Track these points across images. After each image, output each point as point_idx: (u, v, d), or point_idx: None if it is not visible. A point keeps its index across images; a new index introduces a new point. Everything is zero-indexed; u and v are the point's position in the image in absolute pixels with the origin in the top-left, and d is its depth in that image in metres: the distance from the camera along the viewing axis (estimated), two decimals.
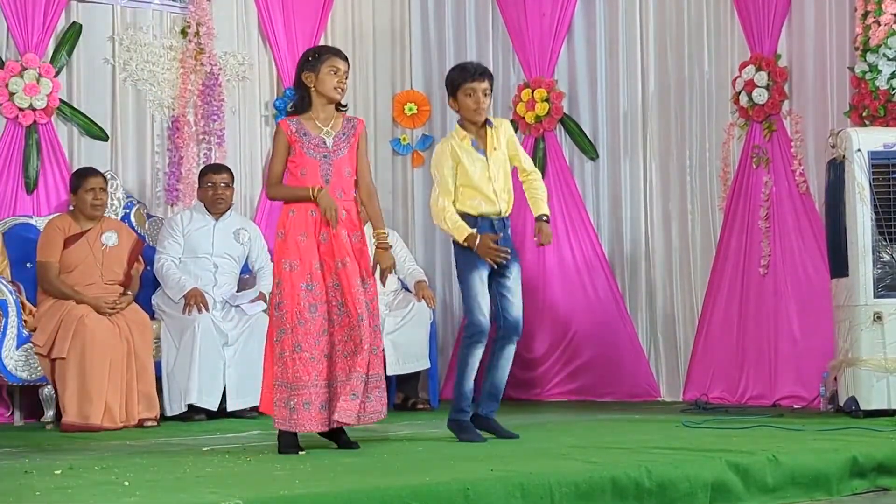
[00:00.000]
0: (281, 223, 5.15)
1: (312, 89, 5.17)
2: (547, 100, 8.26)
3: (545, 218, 5.61)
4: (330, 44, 8.68)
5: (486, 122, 5.56)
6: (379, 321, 5.24)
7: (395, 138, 8.89)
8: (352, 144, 5.19)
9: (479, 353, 5.47)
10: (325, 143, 5.13)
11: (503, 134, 5.59)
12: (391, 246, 5.44)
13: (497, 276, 5.51)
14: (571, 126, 8.27)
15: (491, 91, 5.57)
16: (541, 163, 8.26)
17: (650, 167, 7.99)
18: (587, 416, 6.91)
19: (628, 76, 8.07)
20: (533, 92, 8.28)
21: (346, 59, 5.24)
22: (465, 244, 5.42)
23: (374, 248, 5.25)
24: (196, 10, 7.96)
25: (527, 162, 5.72)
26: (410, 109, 8.84)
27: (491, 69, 8.36)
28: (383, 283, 5.31)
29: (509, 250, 5.48)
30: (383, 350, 7.40)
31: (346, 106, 5.29)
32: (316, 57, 5.19)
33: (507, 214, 5.56)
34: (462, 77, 5.52)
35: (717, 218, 7.64)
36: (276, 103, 8.41)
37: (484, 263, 5.45)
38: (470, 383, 5.48)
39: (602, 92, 8.21)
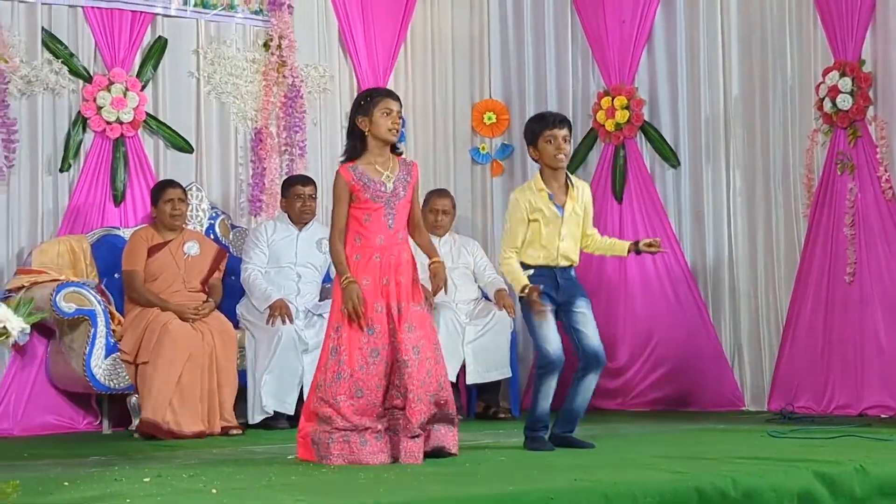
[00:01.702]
0: (348, 267, 5.14)
1: (367, 133, 5.17)
2: (627, 107, 8.23)
3: (635, 243, 5.67)
4: (409, 53, 8.77)
5: (567, 178, 5.56)
6: (440, 357, 5.21)
7: (474, 147, 8.91)
8: (409, 188, 5.21)
9: (552, 382, 5.47)
10: (386, 187, 5.14)
11: (582, 196, 5.59)
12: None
13: (567, 313, 5.51)
14: (652, 133, 8.23)
15: (570, 139, 5.58)
16: (621, 171, 8.23)
17: (733, 174, 7.92)
18: (671, 425, 6.86)
19: (710, 82, 8.02)
20: (613, 99, 8.26)
21: (398, 99, 5.22)
22: (520, 293, 5.44)
23: (430, 269, 5.25)
24: (278, 23, 8.05)
25: (592, 232, 5.70)
26: (489, 118, 8.85)
27: (570, 77, 8.54)
28: (436, 293, 5.30)
29: (546, 307, 5.46)
30: (462, 362, 7.51)
31: (400, 150, 5.27)
32: (368, 100, 5.17)
33: (568, 266, 5.55)
34: (542, 124, 5.53)
35: (801, 225, 7.56)
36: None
37: (546, 298, 5.45)
38: (544, 409, 5.47)
39: (683, 99, 8.16)
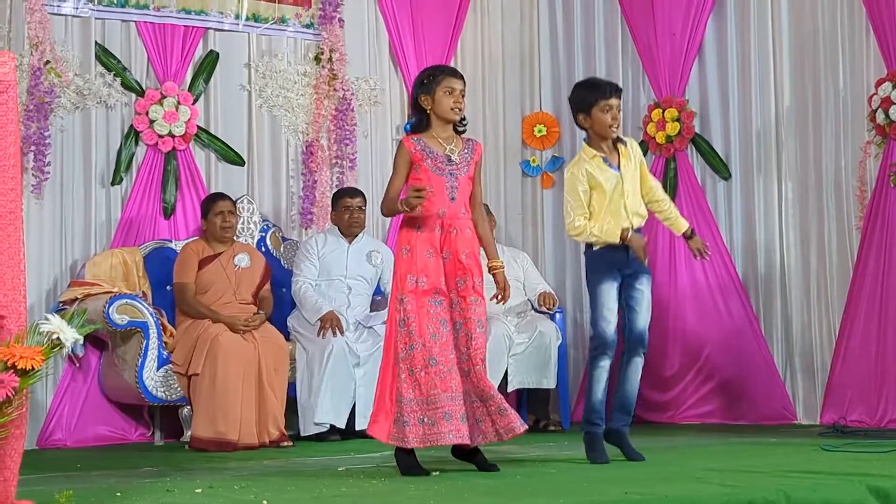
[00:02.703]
0: (406, 239, 5.11)
1: (430, 111, 5.18)
2: (678, 119, 8.20)
3: (692, 231, 5.67)
4: (460, 67, 8.77)
5: (617, 139, 5.57)
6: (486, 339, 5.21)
7: (525, 160, 8.91)
8: (472, 165, 5.21)
9: (604, 364, 5.45)
10: (450, 159, 5.14)
11: (634, 153, 5.59)
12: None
13: (627, 288, 5.51)
14: (703, 145, 8.19)
15: (621, 108, 5.59)
16: (672, 183, 8.20)
17: (784, 186, 7.87)
18: (721, 438, 6.82)
19: (761, 94, 7.97)
20: (663, 112, 8.23)
21: (461, 77, 5.21)
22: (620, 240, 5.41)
23: (492, 274, 5.23)
24: (329, 36, 8.09)
25: (655, 184, 5.70)
26: (540, 131, 8.85)
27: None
28: (498, 302, 5.28)
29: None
30: (506, 370, 7.51)
31: (464, 127, 5.26)
32: (431, 78, 5.16)
33: (637, 227, 5.55)
34: (598, 93, 5.51)
35: (853, 238, 7.49)
36: (406, 127, 8.46)
37: (615, 275, 5.46)
38: (597, 395, 5.45)
39: (734, 110, 8.12)
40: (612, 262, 5.46)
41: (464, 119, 5.23)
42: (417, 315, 5.02)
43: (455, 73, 5.22)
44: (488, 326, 7.26)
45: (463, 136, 5.25)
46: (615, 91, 5.53)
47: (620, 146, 5.55)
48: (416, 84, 5.24)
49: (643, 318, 5.51)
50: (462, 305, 5.06)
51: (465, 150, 5.19)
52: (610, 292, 5.45)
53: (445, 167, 5.11)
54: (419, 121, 5.21)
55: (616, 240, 5.44)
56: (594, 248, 5.53)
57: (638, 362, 5.54)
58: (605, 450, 5.44)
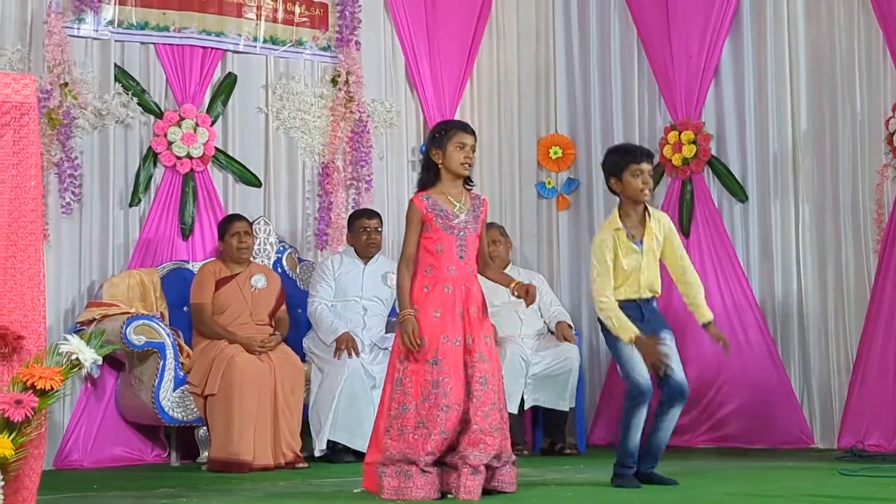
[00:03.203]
0: (413, 298, 5.16)
1: (441, 165, 5.20)
2: (694, 142, 8.20)
3: (712, 323, 5.63)
4: (475, 88, 8.81)
5: (647, 208, 5.57)
6: (503, 392, 5.21)
7: (540, 182, 8.91)
8: (479, 223, 5.22)
9: (642, 413, 5.47)
10: (458, 218, 5.16)
11: (662, 227, 5.59)
12: None
13: None
14: (719, 168, 8.18)
15: (653, 173, 5.60)
16: (688, 206, 8.19)
17: (802, 209, 7.86)
18: (739, 463, 6.80)
19: (778, 116, 7.96)
20: (680, 134, 8.23)
21: (472, 133, 5.24)
22: (630, 342, 5.40)
23: (514, 291, 5.22)
24: (346, 59, 8.13)
25: (685, 263, 5.68)
26: (555, 153, 8.86)
27: (637, 111, 8.52)
28: (528, 303, 5.26)
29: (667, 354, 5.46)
30: (522, 403, 7.49)
31: (473, 183, 5.29)
32: (442, 133, 5.20)
33: (651, 297, 5.57)
34: (629, 158, 5.54)
35: (871, 261, 7.47)
36: (422, 148, 8.51)
37: (634, 325, 5.46)
38: (635, 442, 5.47)
39: (751, 133, 8.11)
40: (629, 317, 5.46)
41: (471, 179, 5.25)
42: (414, 377, 5.04)
43: (466, 129, 5.26)
44: (504, 348, 7.27)
45: (471, 191, 5.27)
46: (646, 156, 5.56)
47: (647, 219, 5.55)
48: (428, 138, 5.30)
49: (678, 371, 5.51)
50: (472, 362, 5.07)
51: (473, 208, 5.22)
52: (631, 345, 5.45)
53: (455, 226, 5.13)
54: (427, 176, 5.24)
55: (620, 300, 5.47)
56: None
57: (676, 412, 5.55)
58: (634, 479, 5.45)
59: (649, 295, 5.56)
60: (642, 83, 8.59)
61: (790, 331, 7.87)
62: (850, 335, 7.57)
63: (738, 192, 8.12)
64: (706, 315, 5.66)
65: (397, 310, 7.53)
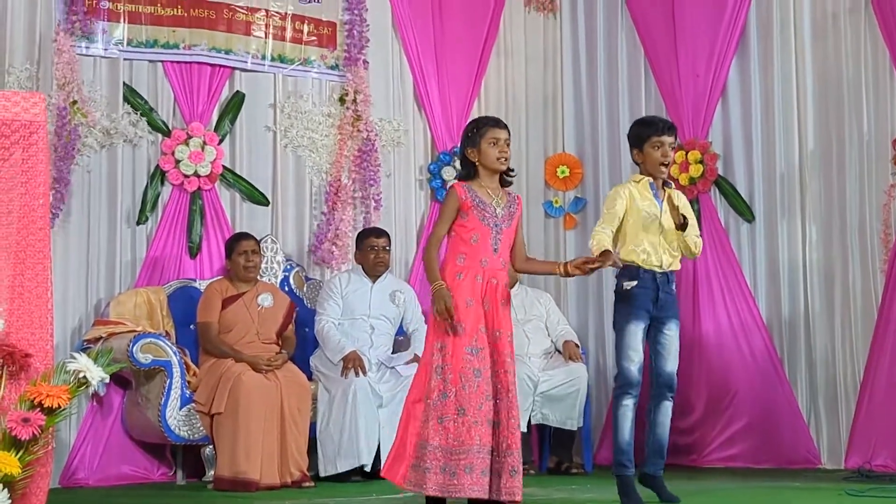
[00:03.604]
0: (440, 273, 5.15)
1: (477, 163, 5.22)
2: (701, 161, 8.20)
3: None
4: (483, 108, 8.82)
5: (665, 182, 5.63)
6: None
7: (548, 201, 8.92)
8: (515, 218, 5.24)
9: (628, 403, 5.47)
10: (496, 212, 5.18)
11: (680, 199, 5.64)
12: None
13: (656, 332, 5.55)
14: (726, 188, 8.19)
15: (675, 146, 5.65)
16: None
17: (808, 229, 7.85)
18: (746, 483, 6.78)
19: (785, 136, 7.97)
20: (687, 153, 8.23)
21: (505, 127, 5.28)
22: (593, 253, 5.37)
23: (579, 265, 5.18)
24: (354, 78, 8.15)
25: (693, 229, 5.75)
26: (563, 172, 8.87)
27: None
28: (589, 271, 5.21)
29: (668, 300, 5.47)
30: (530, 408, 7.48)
31: (513, 177, 5.31)
32: (475, 131, 5.24)
33: (670, 269, 5.58)
34: (651, 129, 5.62)
35: (878, 281, 7.47)
36: (430, 167, 8.53)
37: (642, 316, 5.48)
38: (624, 436, 5.47)
39: (758, 153, 8.11)
40: (641, 303, 5.49)
41: (511, 169, 5.27)
42: (453, 363, 5.02)
43: (498, 124, 5.29)
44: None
45: (506, 189, 5.28)
46: (668, 129, 5.64)
47: (668, 189, 5.60)
48: (462, 138, 5.32)
49: (671, 363, 5.54)
50: (500, 359, 5.07)
51: (509, 204, 5.24)
52: (636, 334, 5.48)
53: (493, 218, 5.15)
54: (466, 173, 5.27)
55: (640, 262, 5.48)
56: (624, 288, 5.55)
57: (667, 406, 5.57)
58: (638, 493, 5.44)
59: (667, 266, 5.55)
60: (649, 103, 8.60)
61: (797, 350, 7.86)
62: (858, 355, 7.56)
63: (744, 211, 8.12)
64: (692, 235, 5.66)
65: (405, 329, 7.60)
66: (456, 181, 5.32)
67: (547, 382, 7.57)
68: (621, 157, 8.55)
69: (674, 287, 5.65)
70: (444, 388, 5.00)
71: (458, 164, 5.54)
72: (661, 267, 5.56)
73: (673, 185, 5.73)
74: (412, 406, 5.12)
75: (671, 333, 5.55)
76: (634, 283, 5.50)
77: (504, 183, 5.28)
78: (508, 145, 5.25)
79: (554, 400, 7.58)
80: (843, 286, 7.67)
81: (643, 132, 5.65)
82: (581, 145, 8.90)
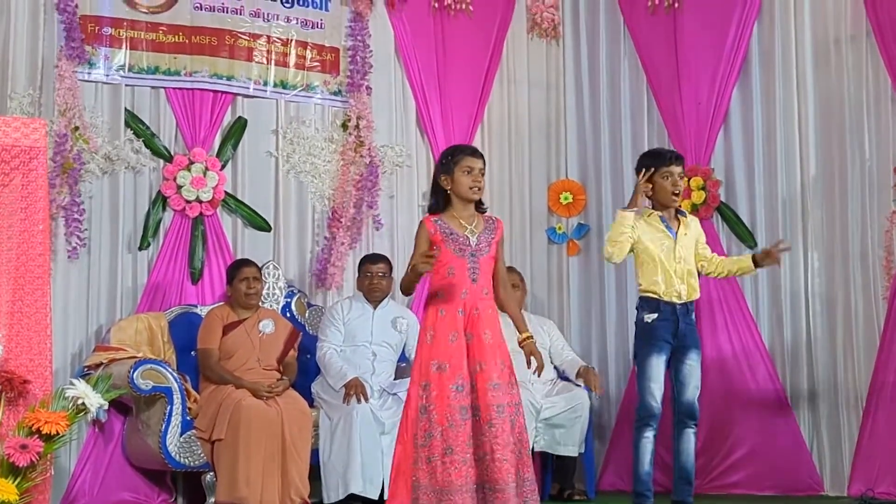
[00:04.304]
0: (430, 324, 5.12)
1: (450, 191, 5.19)
2: (703, 188, 8.20)
3: (758, 254, 5.87)
4: (486, 134, 8.83)
5: (678, 211, 5.66)
6: (524, 422, 5.17)
7: (551, 227, 8.91)
8: (493, 245, 5.21)
9: (648, 435, 5.50)
10: (469, 241, 5.14)
11: (694, 227, 5.67)
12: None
13: (677, 362, 5.58)
14: (728, 214, 8.18)
15: (684, 176, 5.68)
16: None
17: (810, 255, 7.85)
18: None
19: (786, 163, 7.97)
20: (689, 180, 8.22)
21: (481, 156, 5.24)
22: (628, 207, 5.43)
23: (522, 347, 5.20)
24: (356, 103, 8.15)
25: (708, 252, 5.84)
26: (566, 198, 8.86)
27: None
28: (538, 374, 5.26)
29: None
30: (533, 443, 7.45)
31: (485, 207, 5.28)
32: (449, 158, 5.21)
33: (689, 300, 5.60)
34: (659, 161, 5.66)
35: (880, 308, 7.45)
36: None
37: (664, 348, 5.49)
38: (644, 467, 5.50)
39: (760, 179, 8.12)
40: (661, 335, 5.50)
41: (482, 202, 5.23)
42: (438, 403, 5.00)
43: (475, 153, 5.25)
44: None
45: (485, 214, 5.26)
46: (676, 159, 5.68)
47: (681, 217, 5.64)
48: (437, 164, 5.31)
49: (692, 391, 5.60)
50: (481, 391, 5.03)
51: (487, 231, 5.20)
52: (658, 366, 5.50)
53: (466, 248, 5.11)
54: (435, 202, 5.23)
55: (659, 294, 5.50)
56: (645, 321, 5.57)
57: (689, 434, 5.62)
58: None
59: (687, 297, 5.57)
60: (652, 129, 8.60)
61: (799, 377, 7.84)
62: (860, 382, 7.54)
63: (746, 237, 8.11)
64: (747, 258, 5.86)
65: (406, 356, 7.59)
66: (426, 215, 5.28)
67: (549, 409, 7.55)
68: (624, 182, 8.55)
69: (693, 317, 5.67)
70: (430, 429, 4.98)
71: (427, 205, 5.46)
72: (679, 298, 5.59)
73: (687, 214, 5.76)
74: (401, 443, 5.11)
75: (692, 363, 5.59)
76: (655, 315, 5.53)
77: (479, 210, 5.24)
78: (483, 175, 5.20)
79: (556, 426, 7.56)
80: (846, 313, 7.65)
81: (652, 164, 5.68)
82: (584, 171, 8.90)
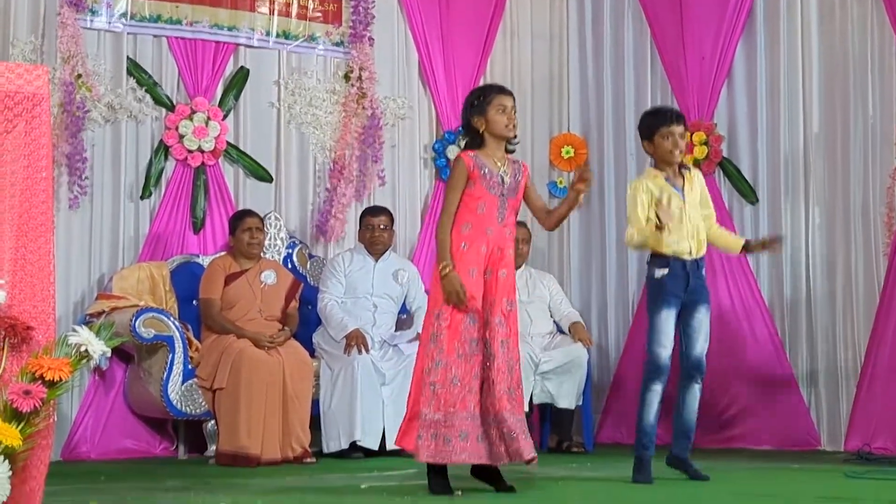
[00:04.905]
0: (451, 255, 5.12)
1: (484, 132, 5.18)
2: (706, 143, 8.19)
3: (748, 242, 5.83)
4: None
5: (682, 166, 5.66)
6: (519, 358, 5.19)
7: (552, 181, 8.91)
8: (520, 187, 5.22)
9: (657, 388, 5.53)
10: (503, 181, 5.16)
11: (698, 181, 5.69)
12: None
13: (686, 316, 5.61)
14: (731, 169, 8.18)
15: (685, 135, 5.67)
16: None
17: (812, 212, 7.85)
18: (745, 463, 6.79)
19: (790, 119, 7.96)
20: (691, 135, 8.20)
21: (511, 94, 5.23)
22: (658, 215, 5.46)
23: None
24: (359, 55, 8.13)
25: (709, 208, 5.83)
26: (567, 152, 8.86)
27: None
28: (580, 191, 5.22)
29: None
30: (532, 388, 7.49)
31: (515, 146, 5.26)
32: (481, 98, 5.18)
33: (699, 256, 5.62)
34: (659, 121, 5.66)
35: (880, 264, 7.47)
36: (434, 146, 8.53)
37: (675, 301, 5.52)
38: (649, 419, 5.53)
39: (762, 135, 8.11)
40: (673, 290, 5.52)
41: (515, 136, 5.23)
42: (448, 332, 5.01)
43: (504, 91, 5.25)
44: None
45: (510, 157, 5.26)
46: (677, 118, 5.67)
47: (685, 172, 5.65)
48: (466, 106, 5.26)
49: (700, 345, 5.62)
50: (491, 325, 5.06)
51: (516, 173, 5.21)
52: (668, 320, 5.53)
53: (499, 187, 5.13)
54: (472, 140, 5.22)
55: (669, 252, 5.51)
56: (656, 276, 5.59)
57: (696, 388, 5.66)
58: (651, 472, 5.47)
59: (696, 253, 5.60)
60: (655, 84, 8.58)
61: (798, 333, 7.87)
62: (859, 338, 7.56)
63: (748, 193, 8.12)
64: (738, 241, 5.79)
65: (408, 308, 7.60)
66: (462, 151, 5.28)
67: (548, 363, 7.58)
68: (626, 137, 8.56)
69: (703, 273, 5.70)
70: (438, 357, 4.99)
71: (462, 143, 5.47)
72: (690, 254, 5.61)
73: (691, 169, 5.77)
74: (417, 374, 5.12)
75: (701, 317, 5.63)
76: (665, 271, 5.55)
77: (508, 150, 5.25)
78: (515, 112, 5.21)
79: (554, 379, 7.60)
80: (846, 269, 7.67)
81: (653, 123, 5.67)
82: (586, 126, 8.89)
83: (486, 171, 5.11)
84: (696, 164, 8.19)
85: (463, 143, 5.39)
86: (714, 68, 8.22)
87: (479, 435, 4.98)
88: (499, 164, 5.16)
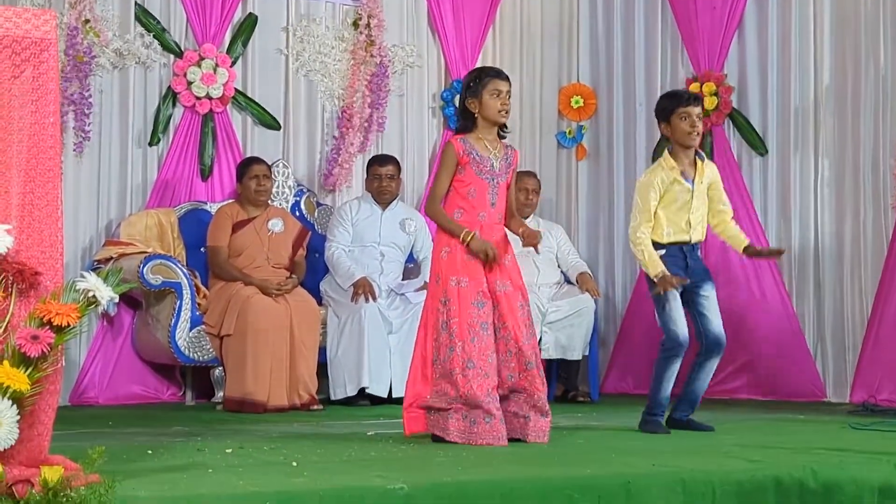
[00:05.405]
0: (445, 241, 5.09)
1: (477, 114, 5.16)
2: (716, 94, 8.15)
3: (750, 245, 5.75)
4: (498, 35, 8.76)
5: (698, 153, 5.63)
6: (533, 330, 5.22)
7: (561, 131, 8.88)
8: (510, 172, 5.21)
9: (675, 366, 5.57)
10: (493, 166, 5.14)
11: (711, 172, 5.66)
12: None
13: (693, 296, 5.60)
14: (740, 121, 8.15)
15: (702, 116, 5.63)
16: (708, 157, 8.15)
17: (821, 164, 7.83)
18: (750, 414, 6.82)
19: (800, 71, 7.91)
20: (702, 86, 8.17)
21: (507, 78, 5.20)
22: (654, 278, 5.47)
23: (520, 235, 5.22)
24: (368, 2, 8.08)
25: (725, 204, 5.76)
26: (577, 102, 8.82)
27: (659, 62, 8.49)
28: (537, 250, 5.27)
29: (689, 279, 5.53)
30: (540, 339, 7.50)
31: (508, 130, 5.27)
32: (477, 81, 5.15)
33: (696, 242, 5.62)
34: (676, 102, 5.62)
35: (889, 217, 7.45)
36: (443, 94, 8.50)
37: (676, 272, 5.51)
38: (665, 393, 5.57)
39: (773, 86, 8.06)
40: (671, 268, 5.51)
41: (505, 126, 5.22)
42: (459, 318, 5.00)
43: (500, 75, 5.21)
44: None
45: (503, 141, 5.25)
46: (694, 100, 5.63)
47: (699, 161, 5.61)
48: (462, 87, 5.25)
49: (717, 322, 5.63)
50: (504, 310, 5.06)
51: (506, 158, 5.20)
52: (675, 298, 5.53)
53: (489, 172, 5.12)
54: (465, 124, 5.21)
55: (665, 241, 5.51)
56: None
57: (713, 363, 5.68)
58: (662, 424, 5.55)
59: (696, 238, 5.60)
60: (665, 34, 8.53)
61: (806, 285, 7.87)
62: (866, 291, 7.56)
63: (757, 145, 8.09)
64: (743, 242, 5.72)
65: (415, 257, 7.62)
66: (452, 135, 5.26)
67: (555, 313, 7.60)
68: (635, 88, 8.52)
69: (699, 253, 5.71)
70: (451, 343, 4.97)
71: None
72: (688, 241, 5.60)
73: (705, 158, 5.73)
74: (419, 356, 5.11)
75: (707, 294, 5.62)
76: (663, 251, 5.55)
77: (500, 136, 5.24)
78: (510, 98, 5.19)
79: (561, 329, 7.61)
80: (854, 222, 7.65)
81: (669, 105, 5.64)
82: (596, 76, 8.85)
83: (477, 155, 5.10)
84: (706, 114, 8.16)
85: (455, 129, 5.38)
86: (725, 18, 8.17)
87: (501, 417, 4.96)
88: (490, 148, 5.15)
